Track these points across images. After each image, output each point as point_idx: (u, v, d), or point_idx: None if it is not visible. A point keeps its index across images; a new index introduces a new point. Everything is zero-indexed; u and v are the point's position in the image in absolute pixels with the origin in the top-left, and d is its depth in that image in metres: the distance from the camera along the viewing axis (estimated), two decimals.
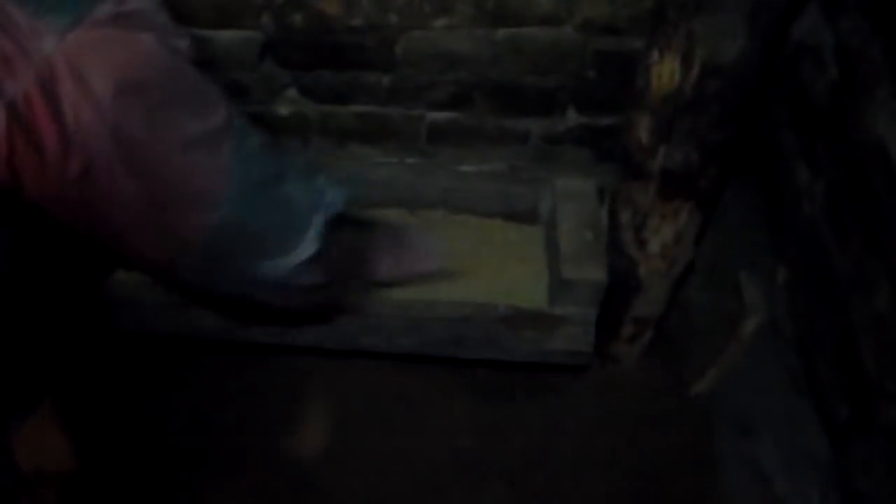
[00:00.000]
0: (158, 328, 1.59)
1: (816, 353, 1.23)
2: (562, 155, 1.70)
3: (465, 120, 1.66)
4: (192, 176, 0.96)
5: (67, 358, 1.48)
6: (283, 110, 1.69)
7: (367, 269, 1.36)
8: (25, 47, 0.80)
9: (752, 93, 1.18)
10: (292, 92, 1.65)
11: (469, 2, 1.45)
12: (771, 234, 1.42)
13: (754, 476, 1.42)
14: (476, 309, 1.46)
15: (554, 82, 1.58)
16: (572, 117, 1.64)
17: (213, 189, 0.97)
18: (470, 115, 1.65)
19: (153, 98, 0.90)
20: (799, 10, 1.17)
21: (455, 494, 1.57)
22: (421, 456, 1.62)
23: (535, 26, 1.49)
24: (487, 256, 1.63)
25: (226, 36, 1.55)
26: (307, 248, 1.10)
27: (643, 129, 1.25)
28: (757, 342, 1.45)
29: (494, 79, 1.58)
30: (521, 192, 1.65)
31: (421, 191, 1.66)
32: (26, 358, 1.12)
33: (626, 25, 1.47)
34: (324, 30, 1.51)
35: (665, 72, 1.17)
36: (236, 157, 0.98)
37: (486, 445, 1.64)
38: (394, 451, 1.62)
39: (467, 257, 1.62)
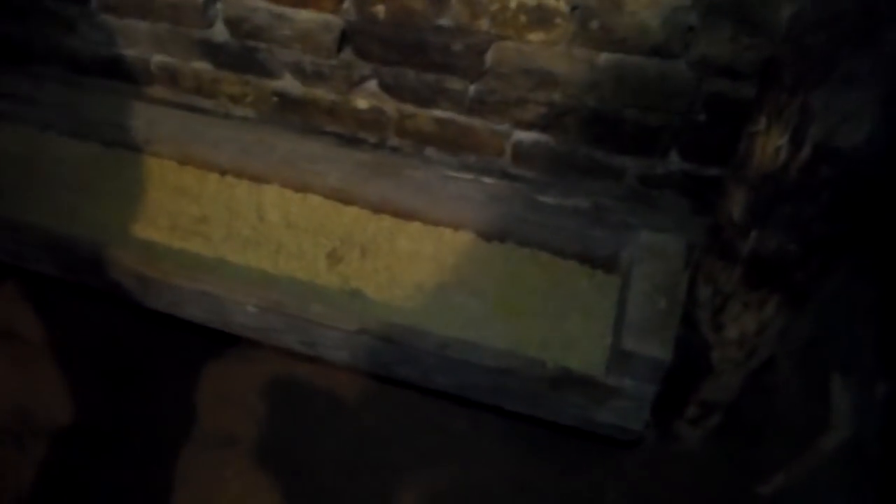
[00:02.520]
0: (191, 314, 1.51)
1: None
2: (657, 200, 1.53)
3: (555, 145, 1.51)
4: None
5: None
6: (362, 103, 1.57)
7: None
8: None
9: (874, 185, 0.97)
10: (372, 85, 1.54)
11: (571, 18, 1.29)
12: (879, 339, 1.22)
13: None
14: (521, 363, 1.31)
15: (658, 120, 1.41)
16: (675, 161, 1.47)
17: None
18: (560, 140, 1.50)
19: None
20: None
21: None
22: (452, 495, 1.49)
23: (643, 55, 1.32)
24: (551, 300, 1.46)
25: (304, 16, 1.45)
26: None
27: (737, 204, 1.07)
28: (837, 460, 1.26)
29: (591, 106, 1.42)
30: (602, 235, 1.47)
31: (492, 216, 1.50)
32: None
33: (748, 70, 1.30)
34: (408, 25, 1.39)
35: (770, 145, 0.98)
36: None
37: (521, 501, 1.49)
38: (427, 482, 1.50)
39: (529, 297, 1.46)
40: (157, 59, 1.70)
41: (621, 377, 1.30)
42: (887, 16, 0.80)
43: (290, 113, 1.66)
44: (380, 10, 1.37)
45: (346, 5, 1.39)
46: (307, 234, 1.57)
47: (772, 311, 1.17)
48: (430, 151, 1.60)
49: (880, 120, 0.90)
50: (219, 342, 1.59)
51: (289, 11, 1.45)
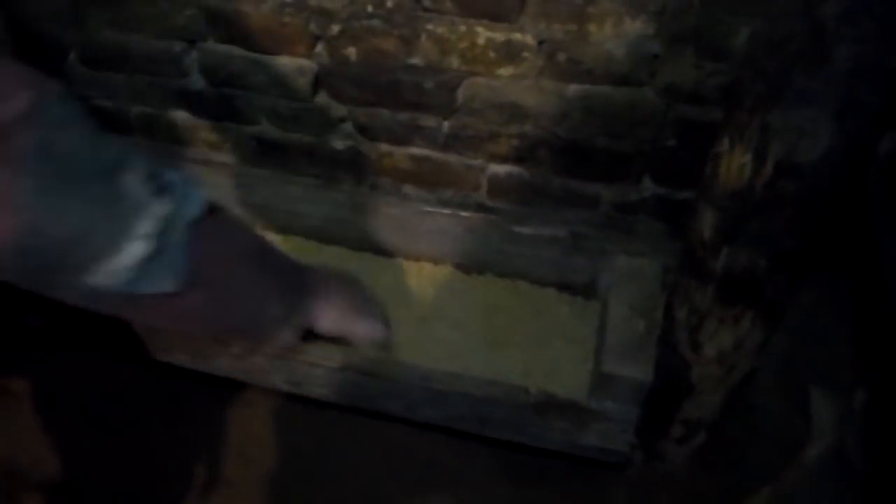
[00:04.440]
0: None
1: (887, 501, 1.04)
2: (633, 226, 1.55)
3: (529, 177, 1.54)
4: None
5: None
6: (339, 144, 1.60)
7: (297, 304, 1.18)
8: None
9: (835, 198, 1.00)
10: (348, 126, 1.56)
11: (539, 51, 1.31)
12: (856, 349, 1.24)
13: None
14: (505, 390, 1.32)
15: (629, 147, 1.43)
16: (648, 187, 1.49)
17: (2, 192, 0.80)
18: (534, 172, 1.52)
19: None
20: None
21: None
22: None
23: (611, 85, 1.35)
24: (532, 328, 1.48)
25: (278, 62, 1.47)
26: (136, 247, 0.90)
27: (706, 224, 1.09)
28: (820, 470, 1.28)
29: (563, 136, 1.44)
30: (580, 263, 1.50)
31: (470, 248, 1.52)
32: None
33: (713, 95, 1.33)
34: (380, 66, 1.41)
35: (734, 165, 1.00)
36: (37, 152, 0.81)
37: None
38: None
39: (510, 326, 1.48)
40: (136, 109, 1.71)
41: (603, 400, 1.32)
42: (836, 34, 0.84)
43: (269, 157, 1.68)
44: (351, 52, 1.39)
45: (318, 49, 1.41)
46: None
47: (747, 327, 1.18)
48: (407, 188, 1.62)
49: (835, 135, 0.93)
50: (206, 385, 1.59)
51: (263, 58, 1.46)
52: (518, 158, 1.49)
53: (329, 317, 1.21)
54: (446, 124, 1.47)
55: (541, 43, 1.32)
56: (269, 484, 1.56)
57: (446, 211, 1.58)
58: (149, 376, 1.66)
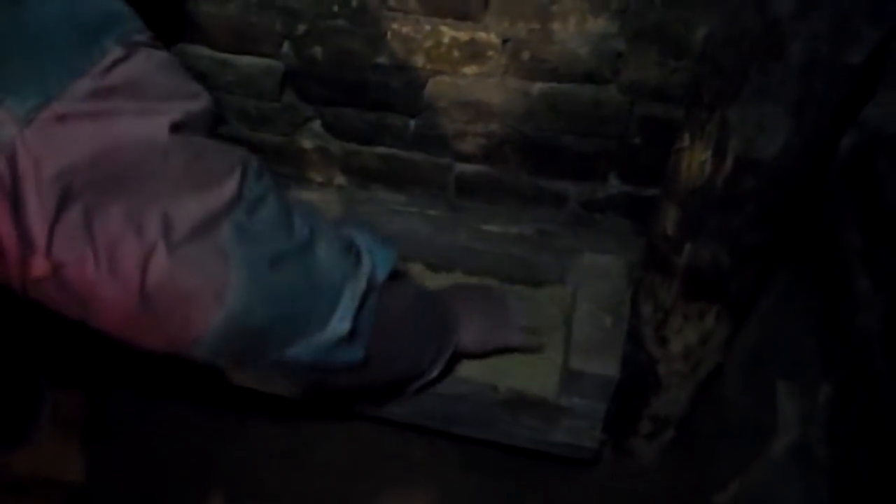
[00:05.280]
0: None
1: (850, 490, 1.05)
2: (599, 223, 1.56)
3: (497, 175, 1.54)
4: (181, 271, 0.79)
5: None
6: (307, 144, 1.59)
7: (445, 337, 1.21)
8: None
9: (795, 192, 1.01)
10: (316, 125, 1.55)
11: (503, 50, 1.32)
12: (820, 344, 1.25)
13: None
14: (473, 388, 1.33)
15: (594, 145, 1.44)
16: (615, 184, 1.50)
17: (210, 282, 0.80)
18: (502, 170, 1.53)
19: (128, 190, 0.77)
20: (860, 104, 0.99)
21: None
22: None
23: (575, 83, 1.36)
24: None
25: (245, 62, 1.46)
26: (339, 326, 0.93)
27: (669, 220, 1.10)
28: (786, 462, 1.29)
29: (529, 135, 1.45)
30: (548, 261, 1.50)
31: (439, 246, 1.52)
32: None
33: (678, 92, 1.33)
34: (346, 65, 1.40)
35: (695, 161, 1.01)
36: (242, 237, 0.81)
37: None
38: None
39: None
40: None
41: (572, 396, 1.33)
42: (789, 31, 0.84)
43: None
44: (318, 51, 1.39)
45: (284, 49, 1.41)
46: None
47: (712, 322, 1.20)
48: (375, 188, 1.62)
49: (793, 131, 0.94)
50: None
51: (231, 58, 1.46)
52: (485, 157, 1.49)
53: (473, 340, 1.26)
54: (413, 123, 1.47)
55: (505, 42, 1.32)
56: (243, 482, 1.56)
57: (414, 209, 1.58)
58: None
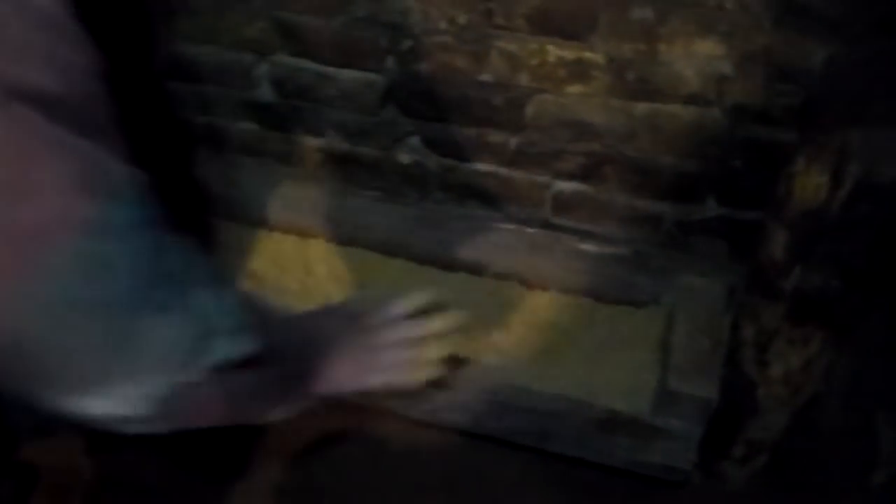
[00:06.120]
0: None
1: None
2: (695, 246, 1.55)
3: (595, 194, 1.55)
4: None
5: None
6: (405, 159, 1.62)
7: (298, 399, 1.01)
8: None
9: None
10: (415, 141, 1.58)
11: (608, 70, 1.33)
12: None
13: None
14: (569, 405, 1.33)
15: (694, 167, 1.44)
16: (712, 207, 1.50)
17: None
18: (600, 189, 1.54)
19: None
20: None
21: None
22: None
23: (678, 104, 1.36)
24: (595, 345, 1.48)
25: (347, 76, 1.50)
26: (129, 403, 0.76)
27: (778, 243, 1.09)
28: (886, 495, 1.27)
29: (629, 155, 1.46)
30: (644, 282, 1.50)
31: (536, 265, 1.53)
32: None
33: (782, 115, 1.33)
34: (450, 81, 1.43)
35: (810, 184, 1.01)
36: (55, 269, 0.66)
37: None
38: None
39: (573, 343, 1.49)
40: (202, 120, 1.75)
41: (668, 417, 1.32)
42: None
43: (335, 169, 1.71)
44: (422, 67, 1.41)
45: (388, 63, 1.44)
46: (353, 286, 1.61)
47: (816, 348, 1.18)
48: (472, 204, 1.64)
49: None
50: None
51: (333, 71, 1.49)
52: (584, 176, 1.51)
53: (340, 379, 1.06)
54: (513, 140, 1.49)
55: (610, 61, 1.33)
56: (323, 492, 1.58)
57: (510, 226, 1.59)
58: None
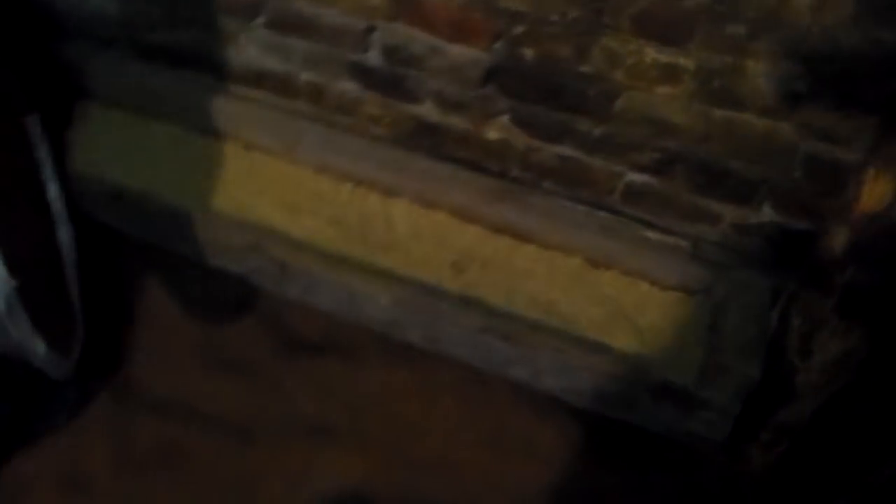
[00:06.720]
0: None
1: None
2: (745, 247, 1.69)
3: (662, 188, 1.68)
4: None
5: None
6: (492, 134, 1.75)
7: None
8: None
9: None
10: (504, 119, 1.71)
11: (696, 76, 1.47)
12: None
13: None
14: (629, 368, 1.46)
15: (758, 174, 1.57)
16: (767, 213, 1.63)
17: None
18: (668, 184, 1.67)
19: None
20: None
21: None
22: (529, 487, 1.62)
23: (754, 114, 1.50)
24: (649, 324, 1.63)
25: (456, 50, 1.63)
26: None
27: (839, 241, 1.24)
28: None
29: (700, 156, 1.59)
30: (698, 272, 1.64)
31: (601, 244, 1.68)
32: None
33: (846, 136, 1.45)
34: (551, 69, 1.57)
35: (876, 192, 1.16)
36: None
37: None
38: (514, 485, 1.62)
39: (629, 321, 1.64)
40: (306, 75, 1.88)
41: (712, 390, 1.46)
42: None
43: (423, 137, 1.84)
44: (528, 52, 1.55)
45: (497, 45, 1.58)
46: (432, 245, 1.75)
47: (856, 340, 1.32)
48: (547, 183, 1.78)
49: None
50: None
51: (443, 45, 1.63)
52: (656, 170, 1.65)
53: None
54: (598, 130, 1.63)
55: (700, 68, 1.47)
56: (370, 437, 1.69)
57: (582, 208, 1.73)
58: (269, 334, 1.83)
